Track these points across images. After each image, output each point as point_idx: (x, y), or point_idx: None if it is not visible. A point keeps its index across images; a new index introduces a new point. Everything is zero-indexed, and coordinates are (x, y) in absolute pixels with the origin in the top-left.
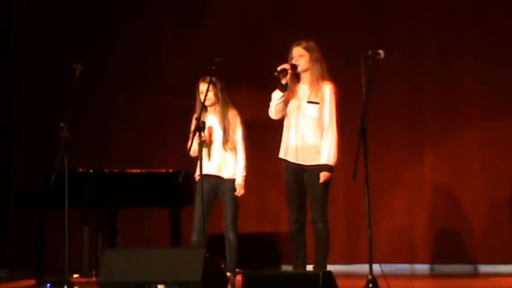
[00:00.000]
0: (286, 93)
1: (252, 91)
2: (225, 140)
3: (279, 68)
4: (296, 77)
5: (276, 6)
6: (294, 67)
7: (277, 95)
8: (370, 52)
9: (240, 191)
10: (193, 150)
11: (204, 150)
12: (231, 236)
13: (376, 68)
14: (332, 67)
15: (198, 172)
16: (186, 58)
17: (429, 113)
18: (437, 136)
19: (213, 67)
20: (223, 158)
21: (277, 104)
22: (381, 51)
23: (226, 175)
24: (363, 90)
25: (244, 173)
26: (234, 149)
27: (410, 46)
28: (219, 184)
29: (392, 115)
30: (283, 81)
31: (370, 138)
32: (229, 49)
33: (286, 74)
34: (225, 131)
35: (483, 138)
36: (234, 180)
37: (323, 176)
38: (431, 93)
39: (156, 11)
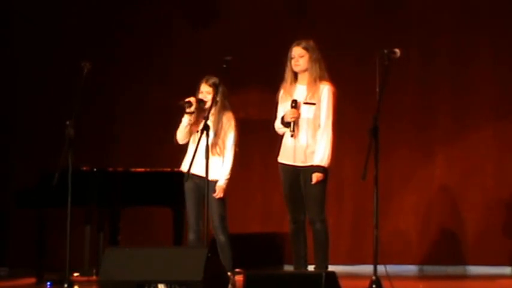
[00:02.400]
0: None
1: (261, 91)
2: (214, 143)
3: (289, 120)
4: (294, 77)
5: (288, 4)
6: (295, 103)
7: (282, 127)
8: (385, 51)
9: (219, 193)
10: (181, 138)
11: (190, 149)
12: (221, 238)
13: (390, 67)
14: (344, 65)
15: (182, 167)
16: (193, 57)
17: (441, 113)
18: (448, 136)
19: (224, 65)
20: (210, 160)
21: (281, 131)
22: (396, 50)
23: (211, 176)
24: (377, 89)
25: (227, 177)
26: (222, 153)
27: (424, 45)
28: (202, 184)
29: (403, 115)
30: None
31: (381, 137)
32: (238, 48)
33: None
34: (216, 134)
35: (495, 139)
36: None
37: (315, 177)
38: (444, 93)
39: (164, 9)
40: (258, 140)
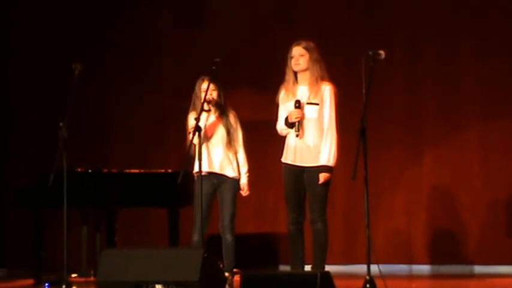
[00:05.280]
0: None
1: (252, 92)
2: (229, 141)
3: (293, 120)
4: (295, 78)
5: (276, 7)
6: (298, 104)
7: (285, 128)
8: (370, 53)
9: (247, 191)
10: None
11: (204, 150)
12: (228, 237)
13: (376, 69)
14: (332, 67)
15: (196, 169)
16: (186, 58)
17: (429, 114)
18: (436, 137)
19: (213, 67)
20: (226, 158)
21: (284, 132)
22: (381, 52)
23: (230, 174)
24: (363, 90)
25: (248, 172)
26: (235, 149)
27: (410, 46)
28: (220, 183)
29: (391, 116)
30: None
31: (370, 138)
32: (229, 50)
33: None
34: (228, 132)
35: (482, 139)
36: (236, 179)
37: (322, 177)
38: (431, 93)
39: (156, 10)
40: (249, 141)
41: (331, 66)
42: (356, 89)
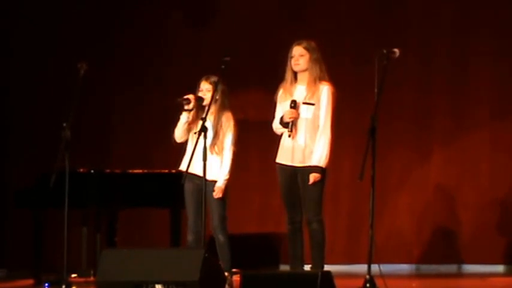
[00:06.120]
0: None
1: (259, 92)
2: (213, 143)
3: (287, 120)
4: (294, 77)
5: (286, 5)
6: (294, 104)
7: (280, 127)
8: (385, 51)
9: (218, 193)
10: (179, 136)
11: (189, 149)
12: (220, 238)
13: (388, 67)
14: (343, 66)
15: (181, 167)
16: (189, 58)
17: (439, 113)
18: (445, 137)
19: (223, 66)
20: (209, 160)
21: (280, 131)
22: (396, 50)
23: (209, 177)
24: (375, 89)
25: (227, 177)
26: (220, 152)
27: (422, 46)
28: (202, 185)
29: (401, 115)
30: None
31: (378, 138)
32: (237, 49)
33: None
34: (216, 134)
35: (492, 140)
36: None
37: (312, 177)
38: (441, 93)
39: (162, 9)
40: (255, 140)
41: (341, 65)
42: (365, 87)
